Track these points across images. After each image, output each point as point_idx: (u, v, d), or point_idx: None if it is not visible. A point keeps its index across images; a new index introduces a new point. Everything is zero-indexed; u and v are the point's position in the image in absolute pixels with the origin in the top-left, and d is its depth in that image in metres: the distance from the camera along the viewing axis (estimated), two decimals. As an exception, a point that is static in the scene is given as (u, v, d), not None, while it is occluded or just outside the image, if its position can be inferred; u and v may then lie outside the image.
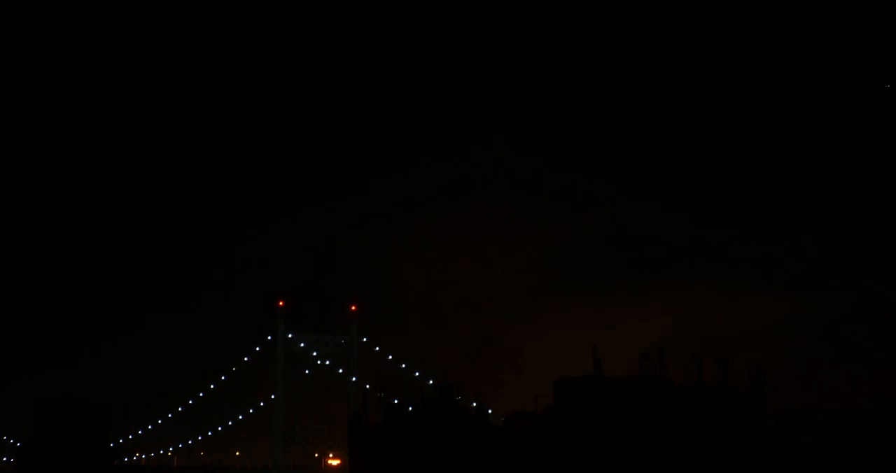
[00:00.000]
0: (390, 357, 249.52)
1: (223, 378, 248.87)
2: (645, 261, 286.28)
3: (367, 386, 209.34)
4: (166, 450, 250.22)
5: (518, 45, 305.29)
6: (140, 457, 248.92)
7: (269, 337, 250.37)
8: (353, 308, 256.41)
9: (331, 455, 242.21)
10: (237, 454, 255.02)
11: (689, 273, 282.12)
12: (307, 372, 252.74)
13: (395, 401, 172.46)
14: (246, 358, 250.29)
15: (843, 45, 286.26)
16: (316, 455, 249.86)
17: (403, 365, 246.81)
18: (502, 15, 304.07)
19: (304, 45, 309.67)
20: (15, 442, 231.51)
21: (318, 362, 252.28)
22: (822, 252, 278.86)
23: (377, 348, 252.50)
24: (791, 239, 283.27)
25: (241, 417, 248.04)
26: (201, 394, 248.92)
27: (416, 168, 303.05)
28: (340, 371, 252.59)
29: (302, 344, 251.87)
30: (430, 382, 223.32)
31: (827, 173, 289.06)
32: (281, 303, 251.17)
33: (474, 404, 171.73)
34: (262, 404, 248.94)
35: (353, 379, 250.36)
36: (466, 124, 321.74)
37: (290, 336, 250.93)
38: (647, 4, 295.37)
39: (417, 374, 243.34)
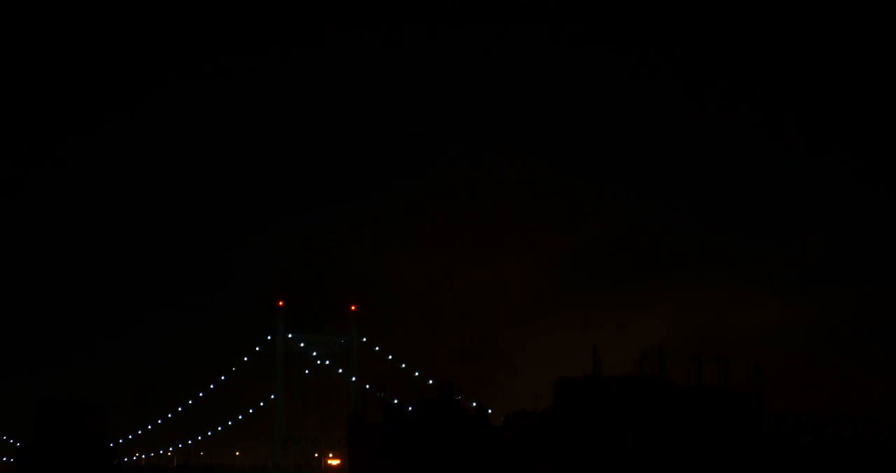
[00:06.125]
0: (390, 357, 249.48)
1: (223, 378, 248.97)
2: (648, 262, 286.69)
3: (367, 386, 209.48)
4: (166, 450, 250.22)
5: (527, 49, 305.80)
6: (140, 457, 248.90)
7: (269, 337, 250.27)
8: (353, 308, 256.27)
9: (331, 455, 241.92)
10: (237, 454, 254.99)
11: (691, 273, 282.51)
12: (307, 372, 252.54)
13: (395, 401, 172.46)
14: (246, 358, 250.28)
15: (842, 45, 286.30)
16: (316, 455, 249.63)
17: (403, 365, 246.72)
18: (511, 18, 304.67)
19: (305, 45, 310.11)
20: (15, 442, 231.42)
21: (318, 362, 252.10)
22: (825, 254, 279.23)
23: (377, 348, 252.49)
24: (796, 241, 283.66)
25: (241, 417, 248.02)
26: (201, 394, 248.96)
27: (420, 170, 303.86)
28: (340, 371, 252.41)
29: (301, 344, 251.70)
30: (430, 382, 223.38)
31: (832, 176, 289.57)
32: (281, 303, 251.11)
33: (474, 404, 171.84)
34: (262, 404, 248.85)
35: (353, 378, 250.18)
36: (474, 126, 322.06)
37: (289, 336, 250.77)
38: (650, 6, 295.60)
39: (417, 374, 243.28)
